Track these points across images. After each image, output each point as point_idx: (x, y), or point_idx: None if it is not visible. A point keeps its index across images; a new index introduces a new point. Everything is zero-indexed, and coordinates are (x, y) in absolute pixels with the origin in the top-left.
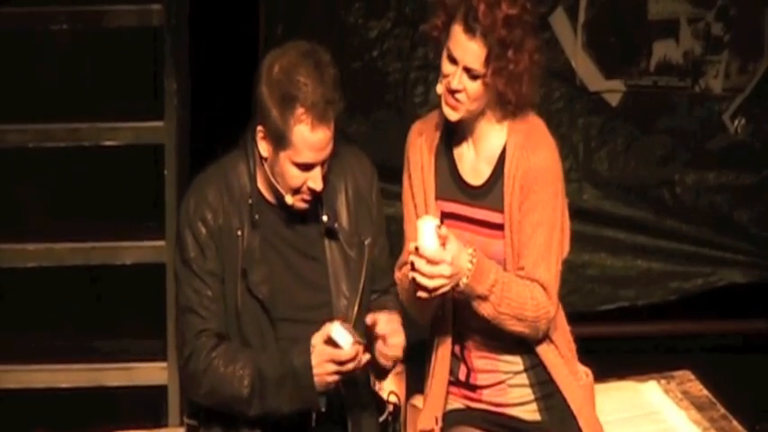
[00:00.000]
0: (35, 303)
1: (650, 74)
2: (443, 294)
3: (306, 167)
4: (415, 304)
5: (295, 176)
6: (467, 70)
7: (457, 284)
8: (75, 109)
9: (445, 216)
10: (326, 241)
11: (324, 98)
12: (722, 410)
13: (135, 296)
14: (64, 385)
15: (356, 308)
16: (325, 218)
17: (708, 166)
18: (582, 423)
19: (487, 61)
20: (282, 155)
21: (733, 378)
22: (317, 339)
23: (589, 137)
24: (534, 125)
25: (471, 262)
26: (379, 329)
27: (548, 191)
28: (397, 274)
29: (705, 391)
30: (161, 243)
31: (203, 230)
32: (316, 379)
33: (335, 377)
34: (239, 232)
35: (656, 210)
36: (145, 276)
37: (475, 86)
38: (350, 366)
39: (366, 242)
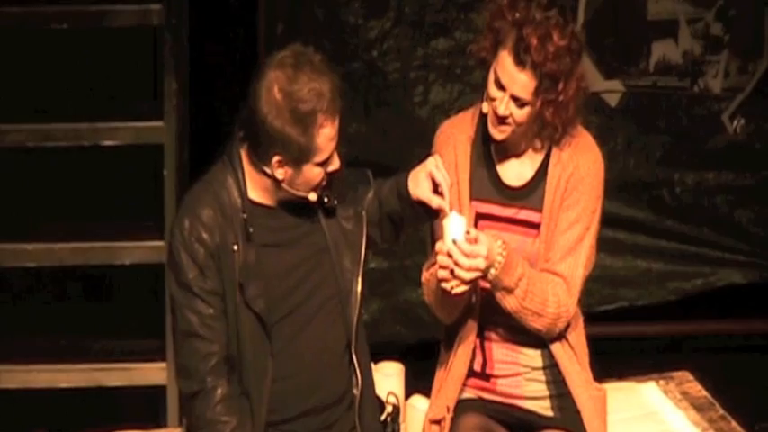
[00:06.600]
0: (34, 303)
1: (649, 74)
2: (474, 288)
3: (327, 159)
4: (445, 303)
5: (319, 174)
6: (514, 98)
7: (485, 276)
8: (74, 109)
9: (480, 217)
10: (324, 222)
11: (332, 91)
12: (721, 411)
13: (134, 296)
14: (63, 385)
15: (359, 279)
16: (325, 200)
17: (707, 166)
18: None
19: (536, 93)
20: (306, 166)
21: (732, 379)
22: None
23: None
24: (581, 133)
25: (501, 254)
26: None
27: (590, 194)
28: (425, 275)
29: (704, 392)
30: (160, 243)
31: (201, 251)
32: None
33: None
34: (235, 247)
35: (656, 210)
36: (144, 277)
37: (522, 113)
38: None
39: (363, 211)
